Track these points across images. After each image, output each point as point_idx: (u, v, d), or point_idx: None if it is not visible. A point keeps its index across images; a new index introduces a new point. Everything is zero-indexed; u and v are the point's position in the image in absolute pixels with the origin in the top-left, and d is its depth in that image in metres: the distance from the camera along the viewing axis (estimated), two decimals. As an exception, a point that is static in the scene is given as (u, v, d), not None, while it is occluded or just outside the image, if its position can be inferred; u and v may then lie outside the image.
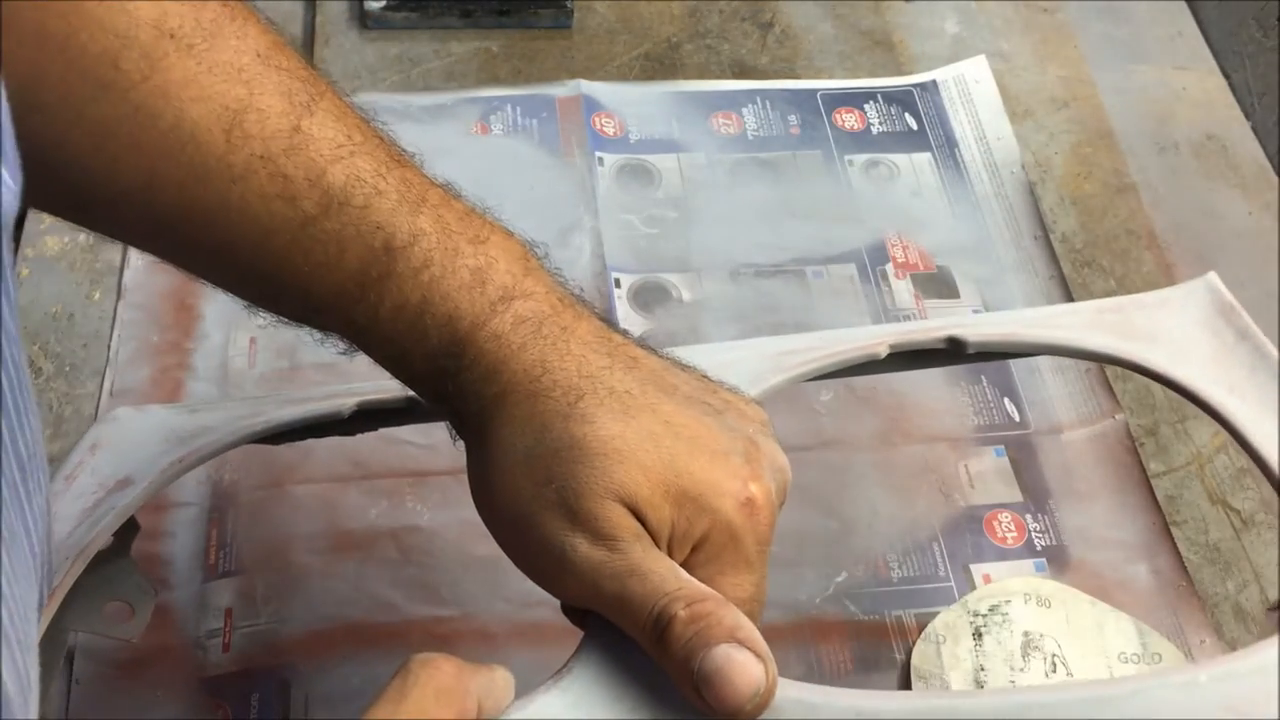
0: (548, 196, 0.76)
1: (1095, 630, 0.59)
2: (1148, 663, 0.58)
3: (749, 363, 0.49)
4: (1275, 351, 0.47)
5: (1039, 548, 0.63)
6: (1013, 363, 0.70)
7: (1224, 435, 0.69)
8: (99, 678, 0.56)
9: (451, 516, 0.61)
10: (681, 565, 0.38)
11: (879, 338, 0.51)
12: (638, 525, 0.38)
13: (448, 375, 0.40)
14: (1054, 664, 0.58)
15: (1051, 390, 0.69)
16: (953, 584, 0.61)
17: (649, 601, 0.36)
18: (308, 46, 0.83)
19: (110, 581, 0.50)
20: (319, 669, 0.56)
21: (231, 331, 0.68)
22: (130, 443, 0.49)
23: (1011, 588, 0.60)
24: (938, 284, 0.73)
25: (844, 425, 0.67)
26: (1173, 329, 0.50)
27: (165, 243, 0.41)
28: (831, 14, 0.89)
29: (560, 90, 0.81)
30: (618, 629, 0.38)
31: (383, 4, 0.84)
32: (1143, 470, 0.66)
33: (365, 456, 0.63)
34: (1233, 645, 0.61)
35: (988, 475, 0.66)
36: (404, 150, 0.42)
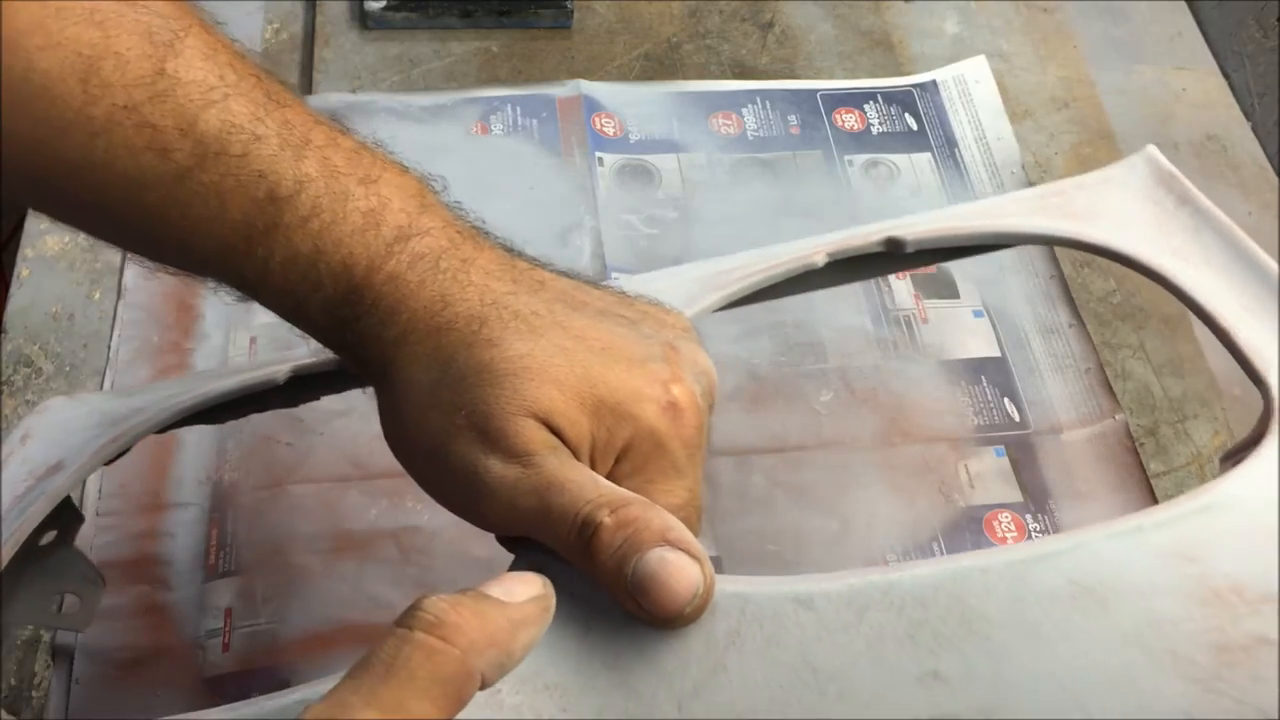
0: (548, 196, 0.76)
1: (1095, 630, 0.59)
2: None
3: (683, 286, 0.47)
4: (1216, 210, 0.47)
5: (1039, 548, 0.63)
6: (1013, 363, 0.70)
7: (1224, 435, 0.69)
8: (99, 678, 0.56)
9: (451, 517, 0.61)
10: (608, 478, 0.37)
11: (816, 247, 0.50)
12: (553, 439, 0.36)
13: (347, 324, 0.38)
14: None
15: (1051, 390, 0.69)
16: (953, 584, 0.61)
17: (570, 512, 0.35)
18: (308, 46, 0.83)
19: (55, 574, 0.49)
20: (319, 669, 0.56)
21: (231, 331, 0.68)
22: (62, 430, 0.48)
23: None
24: (938, 284, 0.73)
25: (844, 425, 0.67)
26: (1114, 203, 0.49)
27: (36, 199, 0.39)
28: (831, 14, 0.89)
29: (560, 90, 0.81)
30: (547, 549, 0.36)
31: (383, 4, 0.84)
32: (1143, 470, 0.66)
33: (365, 457, 0.63)
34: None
35: (988, 475, 0.66)
36: (282, 85, 0.39)
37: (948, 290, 0.73)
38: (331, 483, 0.62)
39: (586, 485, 0.35)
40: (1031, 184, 0.79)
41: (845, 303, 0.72)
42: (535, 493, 0.35)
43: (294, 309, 0.39)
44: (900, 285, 0.73)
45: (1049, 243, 0.50)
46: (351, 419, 0.63)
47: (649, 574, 0.33)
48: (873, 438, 0.67)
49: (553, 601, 0.31)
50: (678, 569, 0.33)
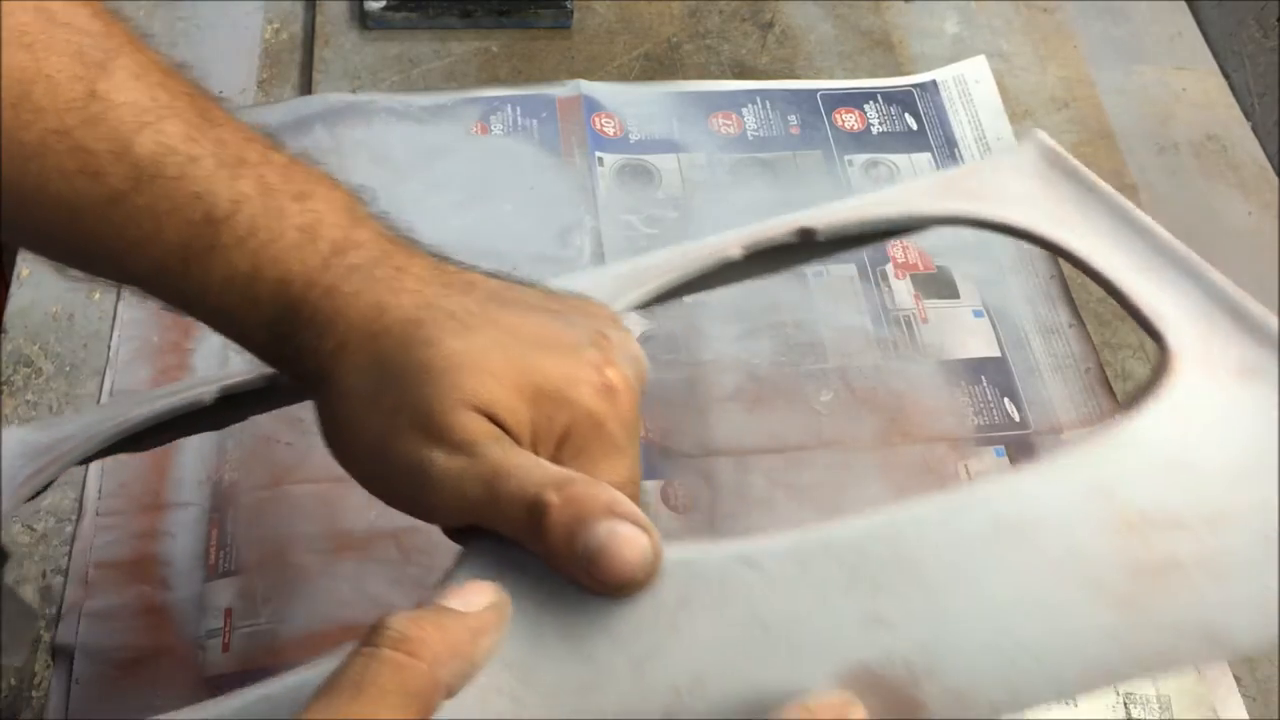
0: (548, 196, 0.76)
1: (1095, 630, 0.59)
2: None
3: (607, 284, 0.49)
4: (1101, 182, 0.50)
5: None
6: (1013, 363, 0.70)
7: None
8: (99, 678, 0.56)
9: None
10: (551, 462, 0.37)
11: (732, 241, 0.51)
12: (494, 429, 0.37)
13: (285, 339, 0.38)
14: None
15: (1051, 390, 0.69)
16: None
17: (518, 495, 0.35)
18: (308, 46, 0.83)
19: None
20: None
21: (231, 331, 0.68)
22: None
23: (1011, 588, 0.60)
24: (938, 284, 0.73)
25: (844, 425, 0.67)
26: (1008, 184, 0.51)
27: None
28: (831, 14, 0.89)
29: (560, 90, 0.81)
30: (497, 539, 0.37)
31: (383, 4, 0.84)
32: (1143, 470, 0.66)
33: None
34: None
35: (988, 475, 0.66)
36: (213, 100, 0.39)
37: (948, 290, 0.73)
38: (331, 483, 0.62)
39: (531, 469, 0.36)
40: (1031, 184, 0.79)
41: (845, 303, 0.72)
42: (482, 481, 0.36)
43: (232, 327, 0.39)
44: (900, 285, 0.73)
45: (949, 223, 0.52)
46: (351, 419, 0.63)
47: (599, 545, 0.34)
48: (873, 438, 0.67)
49: (508, 606, 0.33)
50: (626, 539, 0.34)
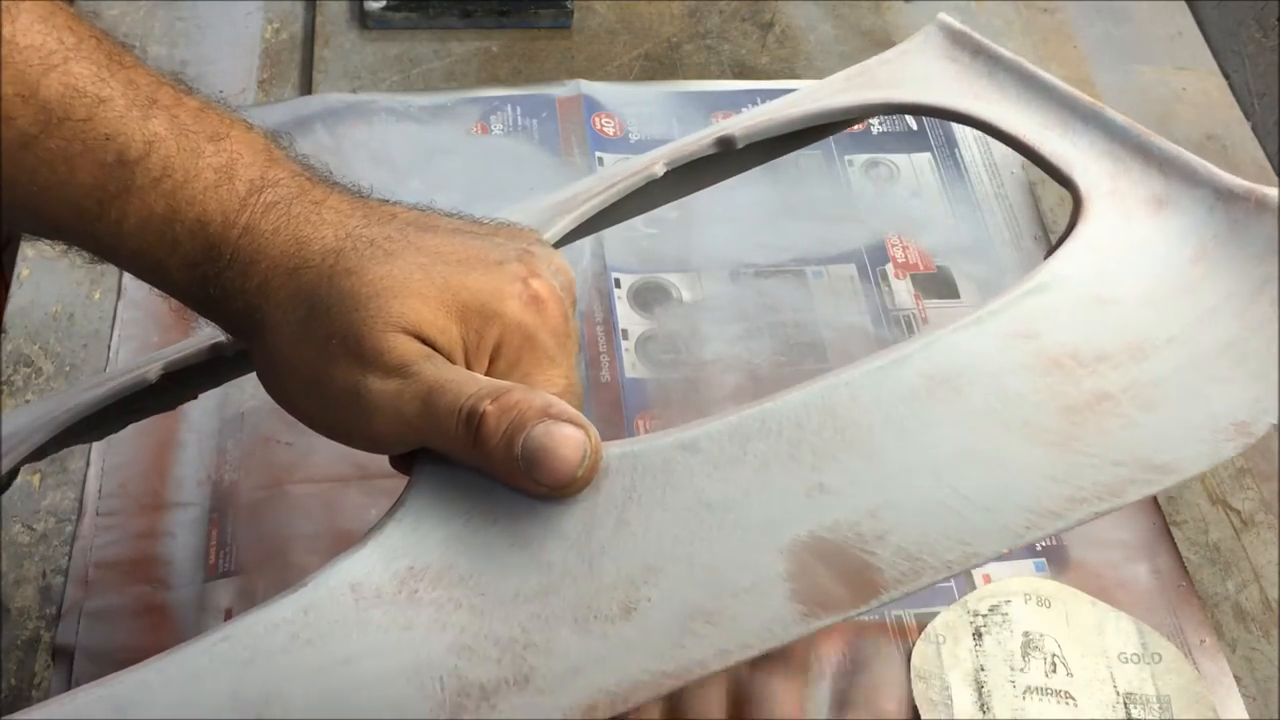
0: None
1: (1095, 630, 0.59)
2: (1148, 663, 0.58)
3: (534, 215, 0.49)
4: (1007, 53, 0.51)
5: (1039, 548, 0.63)
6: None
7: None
8: (99, 677, 0.56)
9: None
10: (486, 377, 0.38)
11: (654, 158, 0.52)
12: (425, 349, 0.37)
13: (208, 280, 0.39)
14: (1054, 664, 0.58)
15: (1051, 390, 0.69)
16: (953, 584, 0.61)
17: (454, 409, 0.36)
18: (308, 46, 0.83)
19: None
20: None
21: (231, 331, 0.68)
22: None
23: (1011, 588, 0.60)
24: (938, 284, 0.73)
25: (844, 425, 0.67)
26: (916, 69, 0.52)
27: None
28: (831, 14, 0.89)
29: (560, 90, 0.81)
30: (441, 460, 0.37)
31: (383, 4, 0.84)
32: (1143, 470, 0.66)
33: (365, 457, 0.63)
34: (1233, 645, 0.61)
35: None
36: (122, 45, 0.39)
37: (948, 290, 0.73)
38: (331, 483, 0.62)
39: (465, 382, 0.37)
40: (1032, 184, 0.79)
41: (845, 303, 0.72)
42: (418, 399, 0.36)
43: (152, 270, 0.39)
44: (900, 285, 0.73)
45: (866, 113, 0.53)
46: (351, 419, 0.63)
47: (537, 446, 0.35)
48: (873, 438, 0.66)
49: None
50: (564, 437, 0.35)
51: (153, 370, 0.49)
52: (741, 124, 0.52)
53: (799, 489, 0.36)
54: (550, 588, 0.35)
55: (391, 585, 0.35)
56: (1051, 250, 0.41)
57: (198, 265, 0.38)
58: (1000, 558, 0.35)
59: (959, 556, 0.34)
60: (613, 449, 0.37)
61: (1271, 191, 0.41)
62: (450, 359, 0.38)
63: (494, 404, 0.36)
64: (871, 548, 0.34)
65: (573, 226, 0.49)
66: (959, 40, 0.52)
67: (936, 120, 0.82)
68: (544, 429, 0.35)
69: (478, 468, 0.36)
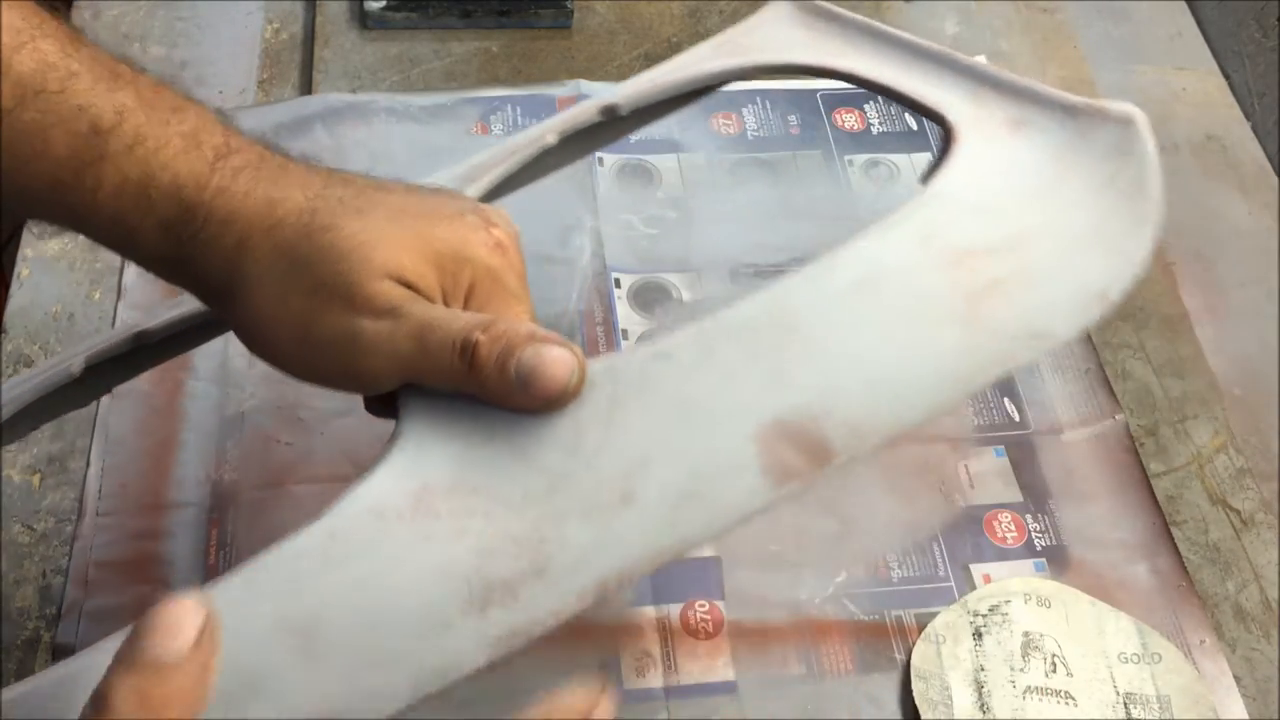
0: (548, 196, 0.75)
1: (1095, 630, 0.59)
2: (1148, 663, 0.58)
3: (445, 186, 0.52)
4: (856, 16, 0.56)
5: (1039, 548, 0.63)
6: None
7: (1224, 436, 0.69)
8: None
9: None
10: None
11: (546, 129, 0.56)
12: (410, 292, 0.40)
13: (184, 242, 0.41)
14: (1054, 664, 0.58)
15: (1051, 390, 0.69)
16: (953, 584, 0.61)
17: (448, 341, 0.39)
18: (308, 46, 0.83)
19: None
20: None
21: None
22: None
23: (1011, 588, 0.60)
24: (938, 284, 0.73)
25: (844, 425, 0.67)
26: (777, 35, 0.58)
27: None
28: (831, 14, 0.89)
29: (560, 90, 0.81)
30: (428, 393, 0.40)
31: (383, 4, 0.84)
32: (1143, 470, 0.66)
33: (365, 457, 0.63)
34: (1233, 645, 0.61)
35: (988, 475, 0.66)
36: (75, 27, 0.41)
37: (948, 290, 0.73)
38: (331, 483, 0.62)
39: (454, 318, 0.40)
40: (1031, 184, 0.79)
41: (845, 303, 0.72)
42: (411, 336, 0.39)
43: (126, 236, 0.41)
44: (900, 285, 0.73)
45: (736, 76, 0.57)
46: (351, 419, 0.63)
47: (530, 366, 0.38)
48: (873, 438, 0.67)
49: (219, 631, 0.30)
50: (553, 356, 0.39)
51: (76, 363, 0.50)
52: (624, 92, 0.58)
53: (758, 381, 0.41)
54: (554, 488, 0.39)
55: (408, 504, 0.38)
56: (929, 174, 0.48)
57: (172, 227, 0.40)
58: (925, 422, 0.41)
59: (893, 422, 0.40)
60: (595, 364, 0.40)
61: (1109, 103, 0.48)
62: (431, 300, 0.41)
63: (485, 334, 0.39)
64: (821, 424, 0.40)
65: (479, 196, 0.53)
66: (810, 9, 0.58)
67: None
68: (534, 350, 0.38)
69: (471, 393, 0.39)
